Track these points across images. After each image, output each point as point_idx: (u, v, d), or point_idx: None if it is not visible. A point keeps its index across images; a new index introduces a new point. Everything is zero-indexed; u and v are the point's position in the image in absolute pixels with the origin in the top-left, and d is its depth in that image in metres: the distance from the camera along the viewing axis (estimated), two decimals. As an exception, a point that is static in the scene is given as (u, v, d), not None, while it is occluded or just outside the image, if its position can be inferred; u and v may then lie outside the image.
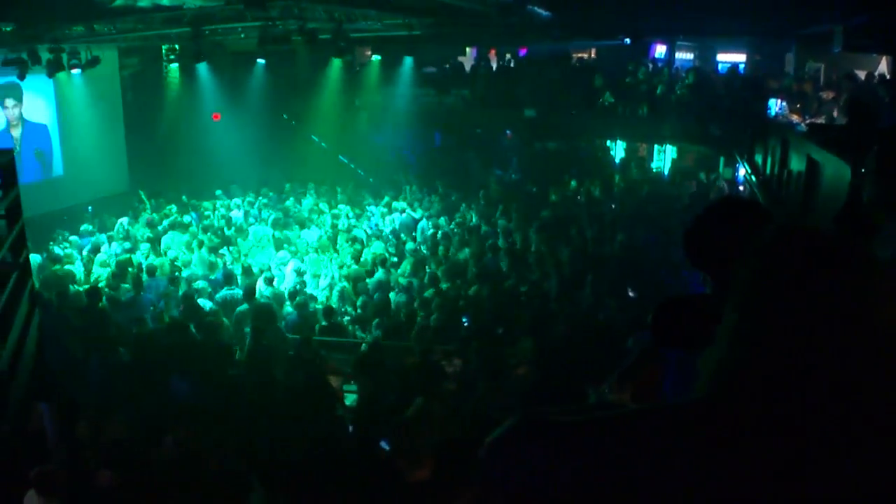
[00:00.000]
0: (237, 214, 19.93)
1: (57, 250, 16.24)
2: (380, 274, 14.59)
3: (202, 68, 23.67)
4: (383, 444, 7.57)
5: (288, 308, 13.06)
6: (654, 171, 24.64)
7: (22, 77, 18.23)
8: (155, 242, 17.23)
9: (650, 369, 2.63)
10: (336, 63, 25.39)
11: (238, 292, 13.34)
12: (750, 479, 1.35)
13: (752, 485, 1.35)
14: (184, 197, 21.04)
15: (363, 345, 12.18)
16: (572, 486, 1.43)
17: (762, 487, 1.35)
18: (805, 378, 1.35)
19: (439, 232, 17.52)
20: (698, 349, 2.33)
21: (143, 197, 21.05)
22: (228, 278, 14.28)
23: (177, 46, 22.30)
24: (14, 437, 6.24)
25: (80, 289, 13.95)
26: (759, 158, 17.57)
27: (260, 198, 21.61)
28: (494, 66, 26.20)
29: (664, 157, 25.69)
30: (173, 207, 20.03)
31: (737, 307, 1.47)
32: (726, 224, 2.39)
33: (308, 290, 14.27)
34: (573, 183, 21.62)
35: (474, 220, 18.71)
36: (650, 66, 24.16)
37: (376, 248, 16.59)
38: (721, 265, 2.16)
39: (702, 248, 2.49)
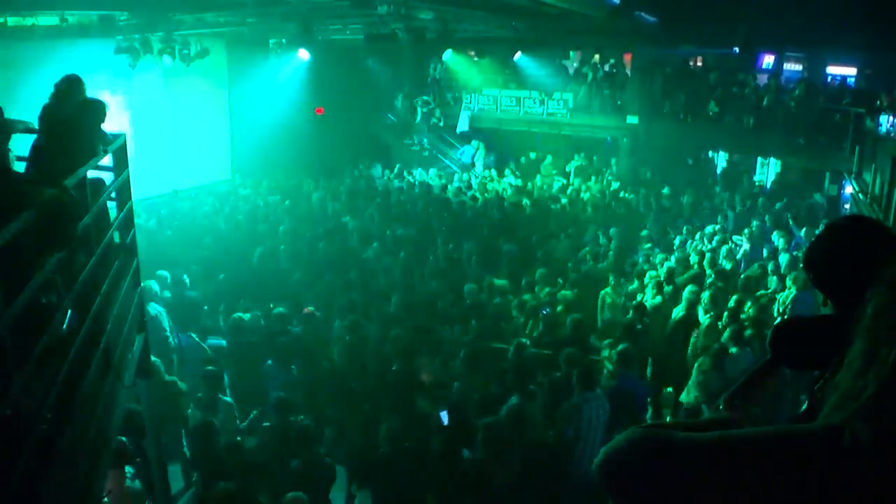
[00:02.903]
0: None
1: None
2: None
3: (308, 62, 24.05)
4: (466, 453, 7.55)
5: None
6: (757, 184, 24.09)
7: (133, 65, 18.75)
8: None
9: (765, 387, 2.56)
10: (440, 62, 25.57)
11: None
12: None
13: None
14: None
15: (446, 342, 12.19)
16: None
17: None
18: None
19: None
20: (816, 371, 2.26)
21: (245, 184, 21.48)
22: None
23: (283, 40, 22.65)
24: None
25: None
26: (867, 176, 17.07)
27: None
28: (599, 70, 25.90)
29: (767, 171, 25.16)
30: (276, 196, 20.34)
31: (876, 337, 1.40)
32: (854, 245, 2.29)
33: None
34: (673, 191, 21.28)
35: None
36: (758, 76, 23.67)
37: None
38: (847, 288, 2.08)
39: (826, 269, 2.39)
